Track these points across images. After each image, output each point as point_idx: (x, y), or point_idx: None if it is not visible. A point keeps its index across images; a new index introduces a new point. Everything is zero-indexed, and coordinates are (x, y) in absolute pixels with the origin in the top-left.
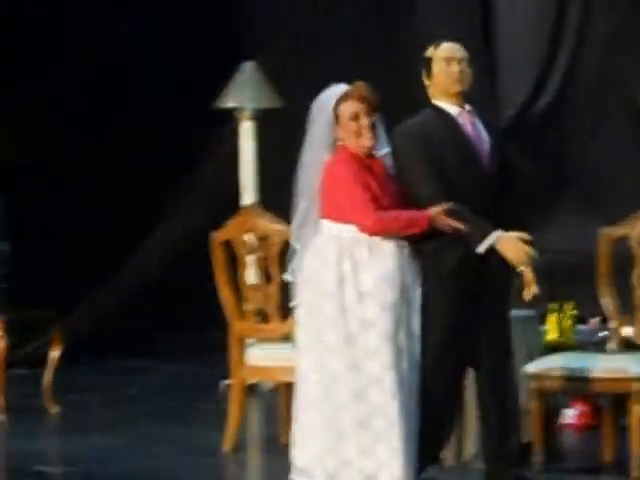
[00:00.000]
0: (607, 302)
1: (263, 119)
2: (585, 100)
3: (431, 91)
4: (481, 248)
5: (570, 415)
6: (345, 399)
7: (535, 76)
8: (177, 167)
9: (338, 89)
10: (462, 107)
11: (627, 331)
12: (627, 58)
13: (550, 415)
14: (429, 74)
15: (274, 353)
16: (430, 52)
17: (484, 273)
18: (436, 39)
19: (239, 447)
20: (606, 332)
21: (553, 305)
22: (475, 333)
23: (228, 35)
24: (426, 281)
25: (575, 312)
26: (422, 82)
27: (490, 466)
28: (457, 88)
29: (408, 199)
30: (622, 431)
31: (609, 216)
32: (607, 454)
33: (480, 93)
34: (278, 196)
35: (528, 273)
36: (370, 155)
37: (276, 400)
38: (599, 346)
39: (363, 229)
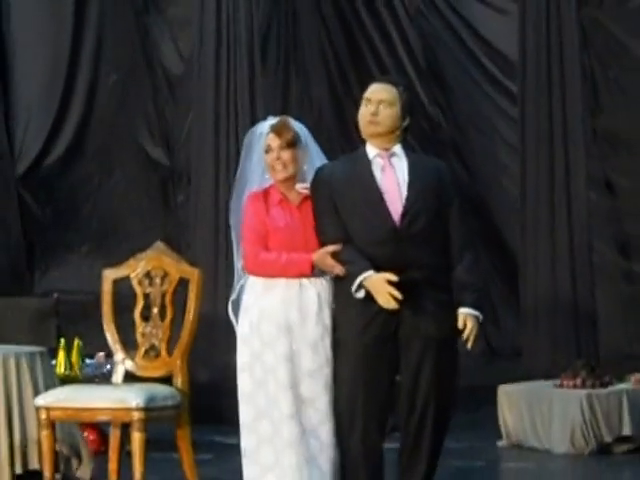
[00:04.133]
0: (111, 338)
1: None
2: (98, 148)
3: None
4: (353, 288)
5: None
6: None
7: (49, 127)
8: None
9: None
10: (385, 149)
11: (129, 364)
12: (135, 108)
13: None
14: None
15: None
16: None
17: (396, 330)
18: None
19: None
20: (110, 366)
21: (62, 341)
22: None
23: None
24: (338, 328)
25: (82, 347)
26: None
27: None
28: (368, 130)
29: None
30: (128, 456)
31: (116, 256)
32: (113, 478)
33: None
34: None
35: (472, 328)
36: (289, 187)
37: None
38: (105, 378)
39: (244, 269)
